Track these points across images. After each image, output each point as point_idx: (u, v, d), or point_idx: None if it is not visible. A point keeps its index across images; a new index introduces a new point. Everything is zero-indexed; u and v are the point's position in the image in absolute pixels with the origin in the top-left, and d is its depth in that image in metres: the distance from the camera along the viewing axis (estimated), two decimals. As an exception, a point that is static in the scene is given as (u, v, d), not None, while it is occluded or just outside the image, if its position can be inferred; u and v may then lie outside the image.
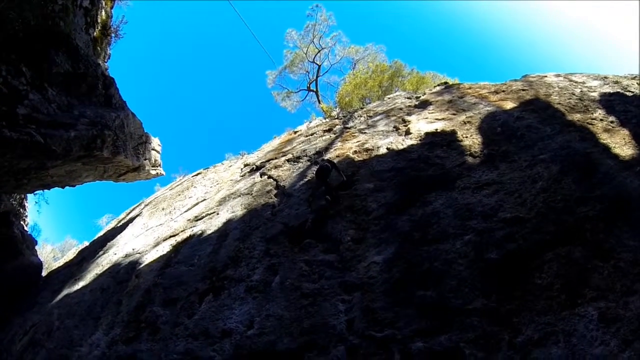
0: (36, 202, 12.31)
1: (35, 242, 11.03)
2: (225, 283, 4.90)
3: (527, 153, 4.86)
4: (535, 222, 3.76)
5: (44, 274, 10.20)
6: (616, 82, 6.58)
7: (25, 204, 12.07)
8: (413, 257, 3.94)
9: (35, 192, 10.78)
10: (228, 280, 4.93)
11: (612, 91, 6.17)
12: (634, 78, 6.79)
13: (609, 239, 3.30)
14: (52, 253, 19.32)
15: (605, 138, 4.77)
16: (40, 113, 6.53)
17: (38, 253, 11.05)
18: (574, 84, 6.83)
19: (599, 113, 5.48)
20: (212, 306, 4.62)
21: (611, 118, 5.28)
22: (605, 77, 6.92)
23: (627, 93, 6.01)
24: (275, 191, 6.96)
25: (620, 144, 4.57)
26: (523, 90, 7.01)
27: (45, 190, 10.19)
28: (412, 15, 67.48)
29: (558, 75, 7.55)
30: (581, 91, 6.37)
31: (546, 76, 7.64)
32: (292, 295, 4.18)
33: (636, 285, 2.86)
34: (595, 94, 6.15)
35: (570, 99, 6.10)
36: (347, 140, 7.82)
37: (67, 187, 9.44)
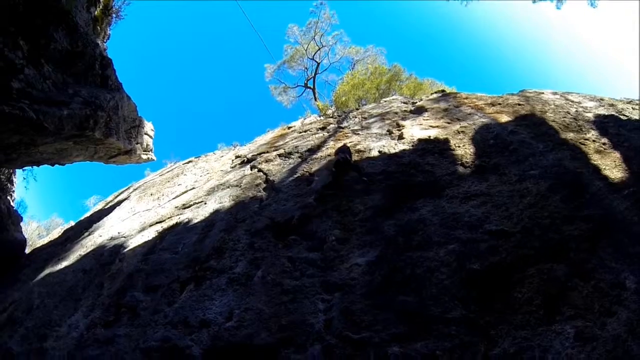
0: (24, 178, 12.17)
1: (21, 219, 10.90)
2: (207, 273, 4.87)
3: (518, 167, 4.90)
4: (520, 236, 3.79)
5: (27, 251, 10.09)
6: (611, 105, 6.65)
7: (14, 179, 11.90)
8: (396, 262, 3.95)
9: (24, 168, 10.65)
10: (211, 270, 4.90)
11: (606, 113, 6.24)
12: (629, 102, 6.88)
13: (591, 259, 3.34)
14: (37, 230, 19.05)
15: (596, 159, 4.83)
16: (35, 89, 6.46)
17: (23, 230, 10.92)
18: (570, 103, 6.90)
19: (592, 134, 5.54)
20: (192, 295, 4.60)
21: (604, 140, 5.34)
22: (602, 99, 7.00)
23: (622, 117, 6.08)
24: (264, 185, 6.95)
25: (610, 166, 4.62)
26: (519, 104, 7.06)
27: (35, 167, 10.08)
28: (414, 20, 67.78)
29: (555, 93, 7.62)
30: (576, 111, 6.43)
31: (543, 93, 7.70)
32: (273, 290, 4.16)
33: (615, 307, 2.90)
34: (590, 115, 6.21)
35: (565, 117, 6.16)
36: (340, 140, 7.81)
37: (56, 166, 9.34)
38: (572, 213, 3.91)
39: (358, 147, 7.03)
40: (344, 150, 6.54)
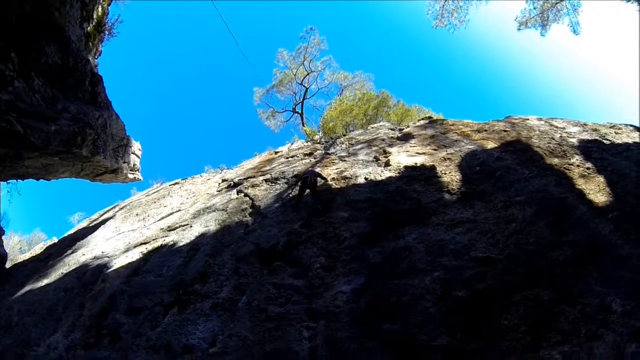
0: (8, 192, 11.92)
1: (3, 232, 10.64)
2: (191, 297, 4.80)
3: (504, 194, 4.95)
4: (506, 263, 3.80)
5: (8, 265, 9.85)
6: (595, 130, 6.79)
7: (-3, 191, 11.67)
8: (381, 289, 3.93)
9: (9, 181, 10.45)
10: (195, 295, 4.83)
11: (590, 138, 6.36)
12: (612, 127, 7.03)
13: (577, 284, 3.35)
14: (19, 244, 18.55)
15: (581, 184, 4.89)
16: (23, 102, 6.38)
17: (4, 243, 10.65)
18: (555, 128, 7.03)
19: (577, 159, 5.63)
20: (176, 319, 4.51)
21: (588, 164, 5.42)
22: (585, 124, 7.15)
23: (605, 141, 6.20)
24: (250, 210, 6.93)
25: (595, 191, 4.69)
26: (505, 131, 7.20)
27: (19, 181, 9.90)
28: (402, 47, 69.00)
29: (540, 119, 7.77)
30: (561, 136, 6.55)
31: (528, 119, 7.86)
32: (258, 317, 4.11)
33: (601, 330, 2.90)
34: (574, 140, 6.33)
35: (549, 143, 6.27)
36: (326, 166, 7.86)
37: (41, 180, 9.19)
38: (558, 238, 3.94)
39: (345, 173, 7.07)
40: (313, 173, 6.66)
